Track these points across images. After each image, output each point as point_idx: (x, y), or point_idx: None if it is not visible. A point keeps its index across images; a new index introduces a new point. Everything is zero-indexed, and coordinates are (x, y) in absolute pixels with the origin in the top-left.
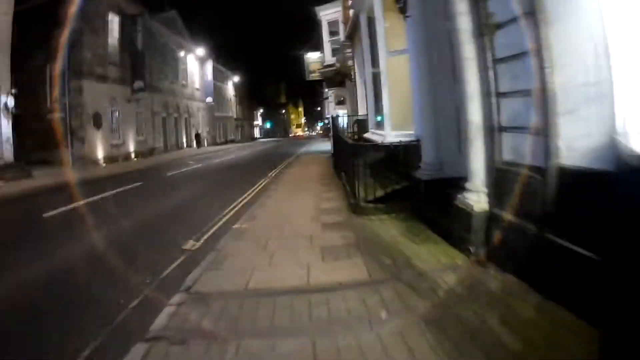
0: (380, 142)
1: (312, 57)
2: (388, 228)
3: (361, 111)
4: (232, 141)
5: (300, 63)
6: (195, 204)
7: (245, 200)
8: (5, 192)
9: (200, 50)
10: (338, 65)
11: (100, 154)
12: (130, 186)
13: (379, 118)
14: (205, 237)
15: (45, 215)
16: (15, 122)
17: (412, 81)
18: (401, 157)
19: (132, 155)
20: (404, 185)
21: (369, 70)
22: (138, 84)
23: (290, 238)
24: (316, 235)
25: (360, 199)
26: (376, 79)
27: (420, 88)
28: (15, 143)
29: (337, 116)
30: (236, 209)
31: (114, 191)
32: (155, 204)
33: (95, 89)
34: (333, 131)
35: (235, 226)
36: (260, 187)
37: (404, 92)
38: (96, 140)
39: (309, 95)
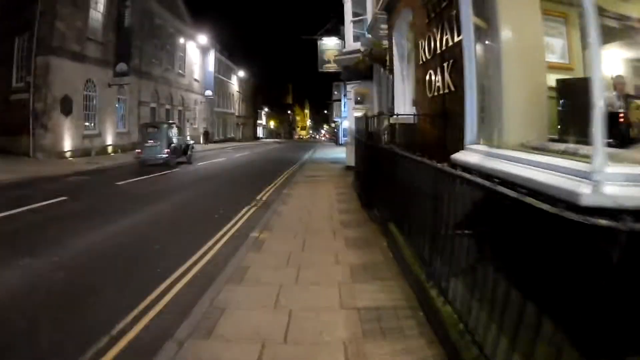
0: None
1: (328, 43)
2: None
3: (400, 109)
4: (232, 139)
5: (312, 55)
6: (95, 272)
7: (186, 280)
8: None
9: (202, 38)
10: (365, 49)
11: (67, 145)
12: (46, 202)
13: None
14: None
15: None
16: None
17: None
18: None
19: (110, 149)
20: None
21: (468, 26)
22: (121, 66)
23: None
24: None
25: None
26: (494, 39)
27: None
28: None
29: (375, 115)
30: (153, 313)
31: (15, 210)
32: (30, 261)
33: (67, 69)
34: (361, 139)
35: None
36: (232, 232)
37: None
38: (63, 129)
39: (317, 97)
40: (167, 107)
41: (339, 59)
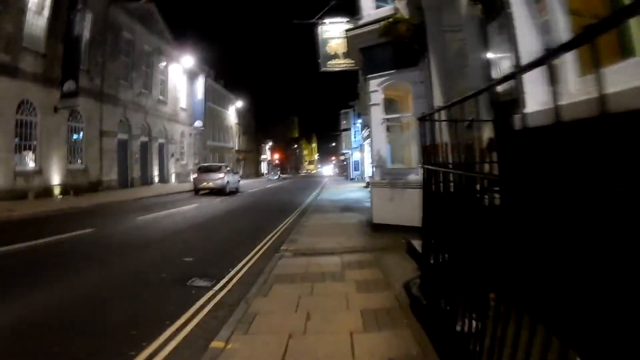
0: None
1: (332, 30)
2: None
3: (536, 94)
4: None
5: (313, 63)
6: None
7: None
8: None
9: (189, 60)
10: None
11: None
12: None
13: None
14: None
15: None
16: None
17: None
18: None
19: (57, 190)
20: None
21: None
22: (69, 84)
23: None
24: None
25: None
26: None
27: None
28: None
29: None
30: None
31: None
32: None
33: None
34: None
35: None
36: None
37: None
38: None
39: (323, 130)
40: (144, 139)
41: (352, 34)
